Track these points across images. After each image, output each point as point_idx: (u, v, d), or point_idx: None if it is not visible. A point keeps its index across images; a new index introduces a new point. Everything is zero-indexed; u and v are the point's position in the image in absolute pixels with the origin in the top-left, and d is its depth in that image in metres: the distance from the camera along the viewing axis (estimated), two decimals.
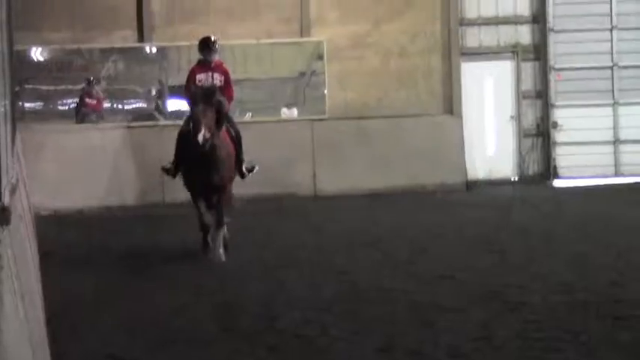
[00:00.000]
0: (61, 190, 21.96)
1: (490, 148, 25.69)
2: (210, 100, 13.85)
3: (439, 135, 24.78)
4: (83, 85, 24.16)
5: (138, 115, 24.54)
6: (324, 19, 25.27)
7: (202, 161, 13.72)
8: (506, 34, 26.00)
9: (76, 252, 17.36)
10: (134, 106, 24.74)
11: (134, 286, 14.84)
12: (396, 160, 23.64)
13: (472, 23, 25.78)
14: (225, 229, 14.63)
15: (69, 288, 13.86)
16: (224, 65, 15.46)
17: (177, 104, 23.79)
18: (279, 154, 22.16)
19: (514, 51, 25.90)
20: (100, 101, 24.23)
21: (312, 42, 25.21)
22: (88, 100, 24.05)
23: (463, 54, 25.51)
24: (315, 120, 24.44)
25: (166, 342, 11.37)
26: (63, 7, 23.86)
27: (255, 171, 15.16)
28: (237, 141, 14.79)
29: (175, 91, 23.66)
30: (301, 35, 25.07)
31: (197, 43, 15.12)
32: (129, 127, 23.58)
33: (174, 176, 14.88)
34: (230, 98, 14.94)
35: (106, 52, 24.41)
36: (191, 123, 13.68)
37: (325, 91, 24.78)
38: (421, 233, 18.57)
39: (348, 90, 24.74)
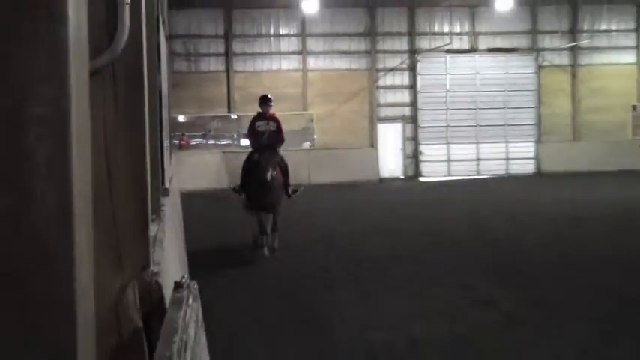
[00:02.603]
0: (191, 181, 30.62)
1: (390, 163, 38.12)
2: (274, 147, 15.61)
3: (367, 157, 37.48)
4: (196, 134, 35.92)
5: (226, 146, 36.32)
6: (314, 103, 37.13)
7: (264, 188, 14.99)
8: (399, 111, 38.32)
9: (196, 206, 25.16)
10: (225, 142, 36.69)
11: (223, 215, 19.71)
12: (346, 168, 35.75)
13: (383, 105, 38.16)
14: (276, 235, 16.01)
15: (194, 226, 19.74)
16: (276, 116, 16.54)
17: (246, 142, 36.52)
18: (298, 161, 29.04)
19: (403, 119, 38.36)
20: (187, 142, 36.05)
21: (308, 113, 37.24)
22: (182, 142, 35.97)
23: (379, 120, 38.03)
24: (311, 149, 36.81)
25: (246, 249, 16.38)
26: (191, 97, 35.33)
27: (298, 193, 16.39)
28: (285, 171, 15.96)
29: (244, 136, 34.26)
30: (303, 110, 37.14)
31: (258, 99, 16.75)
32: (223, 152, 35.61)
33: (239, 194, 16.27)
34: (281, 140, 16.08)
35: (213, 118, 36.63)
36: (261, 163, 14.95)
37: (315, 136, 37.29)
38: (358, 203, 26.38)
39: (326, 136, 37.19)
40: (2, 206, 1.41)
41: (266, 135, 16.04)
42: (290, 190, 16.14)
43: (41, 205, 1.43)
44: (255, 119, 16.43)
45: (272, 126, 16.11)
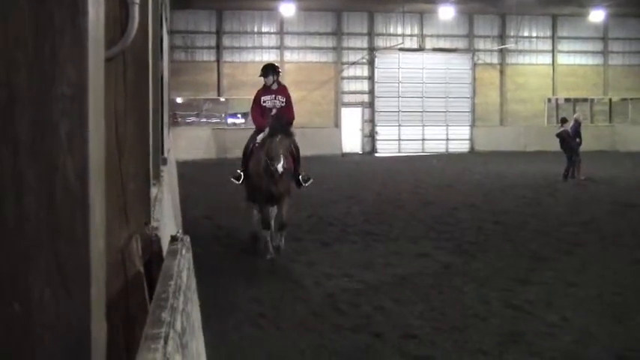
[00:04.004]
0: (185, 152, 31.04)
1: (351, 140, 38.52)
2: (287, 130, 10.74)
3: (332, 135, 37.96)
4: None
5: (215, 124, 36.86)
6: (290, 89, 38.67)
7: (272, 179, 10.75)
8: (359, 97, 38.75)
9: (190, 172, 24.54)
10: (214, 120, 37.18)
11: (220, 181, 17.81)
12: (315, 144, 33.38)
13: (346, 93, 38.62)
14: (284, 233, 11.43)
15: (186, 188, 19.35)
16: (286, 89, 12.11)
17: (233, 120, 37.11)
18: None
19: (362, 104, 38.85)
20: (177, 120, 36.18)
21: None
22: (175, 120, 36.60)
23: (342, 105, 38.51)
24: None
25: (234, 209, 13.79)
26: (187, 82, 35.42)
27: (309, 182, 11.86)
28: (297, 157, 11.65)
29: (231, 115, 37.08)
30: None
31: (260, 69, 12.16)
32: (212, 129, 36.11)
33: (240, 183, 11.79)
34: (292, 118, 11.59)
35: (205, 100, 37.08)
36: (271, 151, 10.46)
37: None
38: (323, 173, 24.23)
39: (298, 117, 38.02)
40: (29, 178, 1.41)
41: (274, 112, 11.58)
42: (301, 179, 11.75)
43: (62, 176, 1.44)
44: (259, 93, 11.99)
45: (280, 101, 11.73)
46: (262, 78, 11.93)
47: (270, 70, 11.93)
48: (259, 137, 11.38)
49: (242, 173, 11.77)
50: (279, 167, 10.40)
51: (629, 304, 8.26)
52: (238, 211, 14.11)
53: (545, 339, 6.97)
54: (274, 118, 11.16)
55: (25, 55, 1.38)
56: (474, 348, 6.70)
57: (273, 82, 11.82)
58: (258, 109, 11.85)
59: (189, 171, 23.50)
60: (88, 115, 1.44)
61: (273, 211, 11.70)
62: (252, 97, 12.20)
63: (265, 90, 11.88)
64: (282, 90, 11.98)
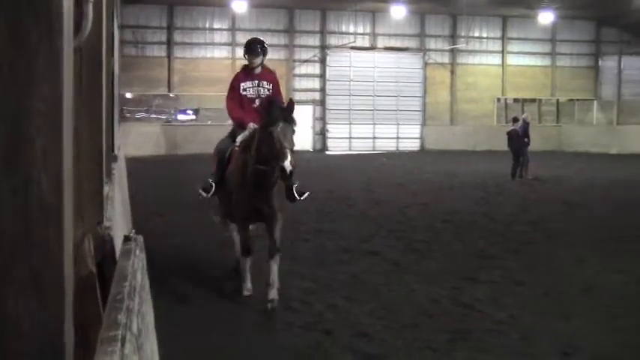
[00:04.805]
0: (135, 147, 30.71)
1: (302, 138, 33.37)
2: (289, 116, 7.66)
3: None
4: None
5: (166, 120, 36.96)
6: None
7: (259, 186, 7.97)
8: (311, 95, 38.87)
9: (139, 169, 24.28)
10: (165, 116, 37.21)
11: (170, 177, 21.64)
12: None
13: (298, 90, 38.31)
14: (278, 260, 8.28)
15: (136, 185, 18.61)
16: (274, 74, 9.19)
17: (184, 117, 37.40)
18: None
19: (313, 102, 38.96)
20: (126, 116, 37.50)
21: None
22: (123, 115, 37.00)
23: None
24: None
25: (185, 206, 13.70)
26: (137, 78, 35.06)
27: (305, 196, 8.93)
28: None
29: (182, 111, 37.55)
30: None
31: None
32: (162, 124, 36.16)
33: (210, 196, 8.90)
34: None
35: (155, 96, 37.30)
36: (270, 144, 7.46)
37: None
38: None
39: None
40: (4, 191, 1.45)
41: (257, 103, 8.89)
42: (295, 190, 8.76)
43: (38, 190, 1.47)
44: (239, 78, 9.10)
45: (266, 88, 8.95)
46: (245, 57, 9.03)
47: (256, 46, 8.92)
48: (239, 138, 8.70)
49: (214, 184, 8.87)
50: (287, 165, 7.30)
51: (574, 302, 8.44)
52: (191, 208, 13.95)
53: (493, 336, 7.06)
54: (267, 101, 8.14)
55: (1, 73, 1.39)
56: (423, 345, 6.78)
57: (260, 65, 8.94)
58: (236, 100, 8.99)
59: (138, 167, 23.17)
60: (62, 131, 1.46)
61: (259, 228, 9.21)
62: (227, 87, 9.34)
63: (246, 74, 8.98)
64: (268, 74, 9.05)
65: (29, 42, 1.41)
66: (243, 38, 37.71)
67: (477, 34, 41.88)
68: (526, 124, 24.83)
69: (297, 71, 39.22)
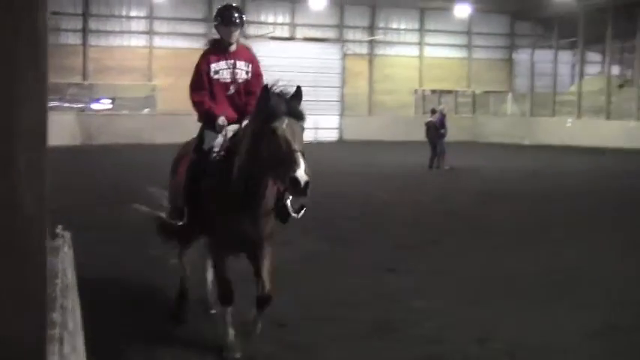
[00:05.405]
0: (48, 137, 34.81)
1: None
2: (297, 108, 5.66)
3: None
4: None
5: (80, 109, 36.28)
6: (159, 75, 37.33)
7: (249, 203, 5.79)
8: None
9: (54, 159, 26.51)
10: (79, 105, 36.43)
11: (85, 171, 21.88)
12: (186, 131, 33.66)
13: None
14: (266, 308, 6.21)
15: (53, 177, 17.24)
16: (250, 51, 6.97)
17: (98, 105, 37.15)
18: (142, 125, 34.10)
19: None
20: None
21: (152, 84, 37.82)
22: None
23: None
24: (154, 115, 37.06)
25: (106, 199, 15.32)
26: (52, 65, 34.79)
27: (302, 213, 6.12)
28: None
29: (95, 100, 37.08)
30: (148, 81, 37.74)
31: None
32: (77, 113, 35.48)
33: (175, 224, 6.47)
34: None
35: (69, 84, 36.22)
36: (277, 148, 5.30)
37: (157, 104, 37.52)
38: None
39: (169, 104, 36.56)
40: None
41: (233, 90, 6.63)
42: (290, 206, 6.14)
43: (22, 205, 1.59)
44: (208, 58, 6.68)
45: (244, 70, 6.71)
46: (216, 30, 6.81)
47: (234, 14, 6.71)
48: (217, 141, 6.30)
49: (185, 208, 6.40)
50: (301, 175, 5.15)
51: (489, 290, 8.55)
52: (111, 199, 13.78)
53: (411, 326, 7.09)
54: (266, 91, 5.62)
55: None
56: (343, 336, 6.75)
57: (235, 42, 6.74)
58: (204, 87, 6.59)
59: (53, 158, 22.37)
60: (46, 149, 1.59)
61: (234, 262, 6.49)
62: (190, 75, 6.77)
63: (218, 52, 6.70)
64: (245, 52, 6.89)
65: (16, 63, 1.51)
66: (160, 27, 37.85)
67: (395, 26, 42.50)
68: (442, 116, 25.30)
69: None
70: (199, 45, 38.16)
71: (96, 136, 33.60)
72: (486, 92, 45.40)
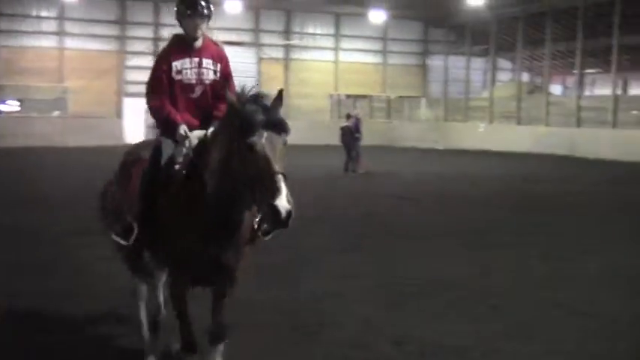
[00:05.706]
0: None
1: (135, 131, 35.04)
2: (278, 119, 4.79)
3: (114, 125, 37.14)
4: None
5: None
6: (70, 77, 36.58)
7: (219, 225, 4.87)
8: (143, 88, 40.23)
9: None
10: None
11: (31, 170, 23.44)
12: (97, 134, 34.54)
13: (131, 83, 37.15)
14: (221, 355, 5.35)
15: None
16: (219, 47, 5.85)
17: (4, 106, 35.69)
18: (52, 129, 33.22)
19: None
20: None
21: (63, 86, 36.96)
22: None
23: (127, 95, 37.60)
24: (66, 117, 35.91)
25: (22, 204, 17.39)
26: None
27: (270, 236, 5.44)
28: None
29: (2, 101, 35.76)
30: (59, 82, 36.75)
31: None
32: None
33: (127, 241, 5.44)
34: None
35: None
36: (259, 166, 4.43)
37: (68, 106, 36.56)
38: (107, 162, 30.22)
39: (80, 106, 36.21)
40: None
41: (199, 92, 5.66)
42: (258, 225, 5.08)
43: None
44: (168, 56, 5.63)
45: (211, 69, 5.71)
46: (179, 22, 5.75)
47: (199, 3, 5.60)
48: (178, 151, 5.39)
49: (135, 224, 5.47)
50: (283, 205, 4.48)
51: (406, 292, 8.57)
52: (30, 204, 13.27)
53: (331, 330, 7.08)
54: (242, 95, 4.74)
55: None
56: (264, 343, 6.68)
57: (201, 37, 5.68)
58: (164, 91, 5.60)
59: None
60: None
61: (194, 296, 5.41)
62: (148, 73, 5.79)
63: (181, 49, 5.67)
64: (213, 49, 5.82)
65: None
66: (72, 28, 37.13)
67: (310, 31, 42.62)
68: (357, 120, 25.53)
69: (131, 63, 38.39)
70: (111, 47, 37.88)
71: (4, 138, 32.60)
72: (401, 97, 45.81)
